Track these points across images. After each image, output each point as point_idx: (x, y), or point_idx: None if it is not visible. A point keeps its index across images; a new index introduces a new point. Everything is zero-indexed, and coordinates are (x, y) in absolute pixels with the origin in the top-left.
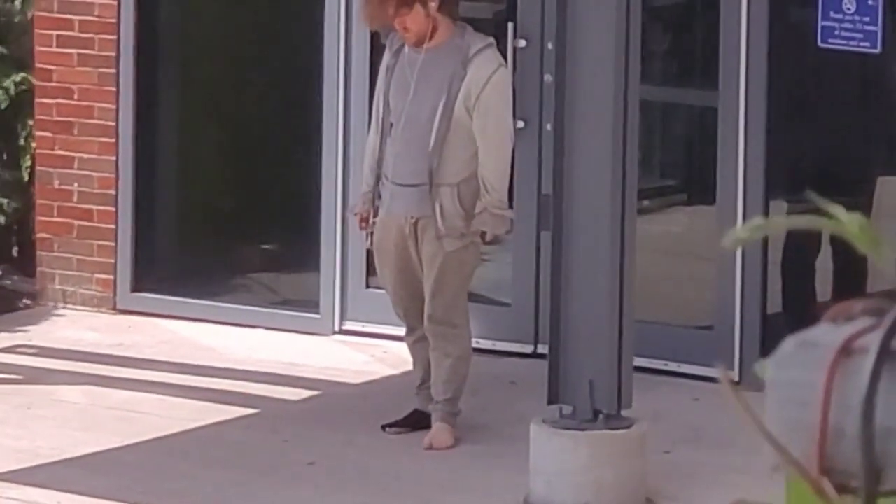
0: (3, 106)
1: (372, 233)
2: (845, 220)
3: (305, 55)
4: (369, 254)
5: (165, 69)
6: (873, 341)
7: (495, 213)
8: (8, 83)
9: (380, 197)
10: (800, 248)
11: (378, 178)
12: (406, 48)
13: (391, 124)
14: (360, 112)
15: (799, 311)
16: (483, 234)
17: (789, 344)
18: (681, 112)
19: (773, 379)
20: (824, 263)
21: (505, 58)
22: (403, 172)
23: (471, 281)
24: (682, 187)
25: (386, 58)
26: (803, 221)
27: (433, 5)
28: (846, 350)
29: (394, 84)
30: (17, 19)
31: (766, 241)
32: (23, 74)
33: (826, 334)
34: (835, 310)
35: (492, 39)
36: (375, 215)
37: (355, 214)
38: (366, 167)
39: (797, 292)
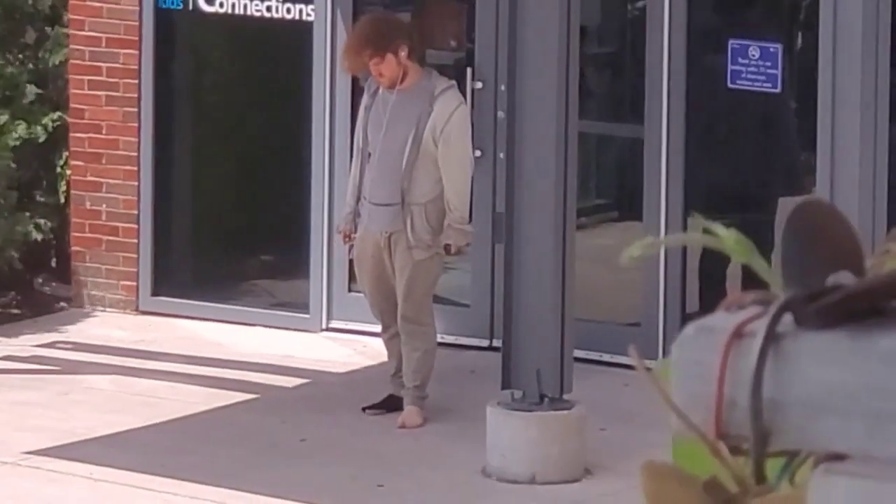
0: (42, 140)
1: (352, 246)
2: (723, 235)
3: (297, 96)
4: (351, 263)
5: (180, 108)
6: (761, 326)
7: (458, 228)
8: (46, 121)
9: (359, 216)
10: (713, 257)
11: (358, 200)
12: (381, 90)
13: (369, 154)
14: (343, 145)
15: (713, 309)
16: (448, 246)
17: (690, 329)
18: (612, 143)
19: (676, 359)
20: (735, 269)
21: (465, 97)
22: (379, 194)
23: (436, 286)
24: (613, 206)
25: (364, 98)
26: (688, 239)
27: (403, 54)
28: (738, 334)
29: (371, 120)
30: (51, 66)
31: (685, 253)
32: (59, 113)
33: (721, 320)
34: (729, 300)
35: (454, 82)
36: (357, 232)
37: (339, 232)
38: (348, 192)
39: (711, 294)
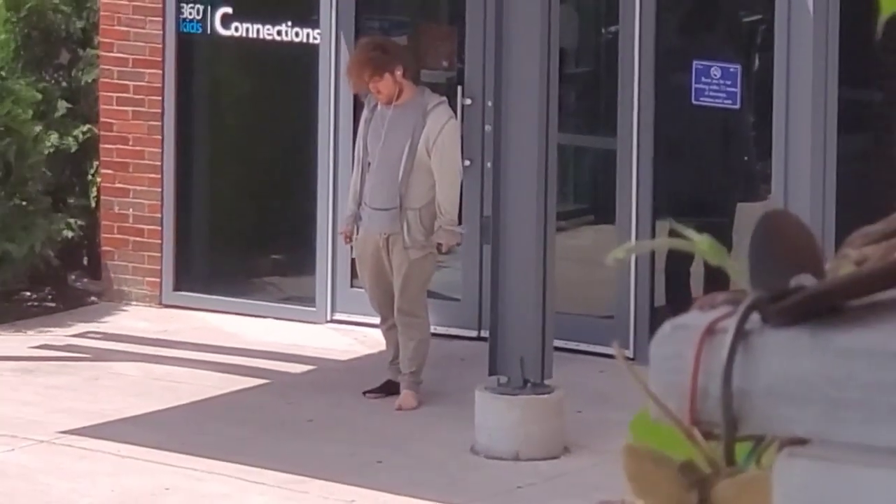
0: (73, 150)
1: (353, 246)
2: (697, 240)
3: (304, 111)
4: (353, 262)
5: (199, 122)
6: (731, 324)
7: (448, 230)
8: (77, 132)
9: (360, 219)
10: (678, 257)
11: (359, 205)
12: (379, 106)
13: (369, 163)
14: (346, 155)
15: (678, 304)
16: (439, 245)
17: (667, 327)
18: (588, 153)
19: (655, 353)
20: (697, 268)
21: (455, 112)
22: (378, 199)
23: (429, 282)
24: (589, 211)
25: (364, 113)
26: (666, 243)
27: (398, 73)
28: (710, 330)
29: (371, 133)
30: (83, 84)
31: (653, 253)
32: (88, 126)
33: (695, 318)
34: (702, 300)
35: (445, 98)
36: (358, 233)
37: (341, 233)
38: (349, 197)
39: (676, 290)
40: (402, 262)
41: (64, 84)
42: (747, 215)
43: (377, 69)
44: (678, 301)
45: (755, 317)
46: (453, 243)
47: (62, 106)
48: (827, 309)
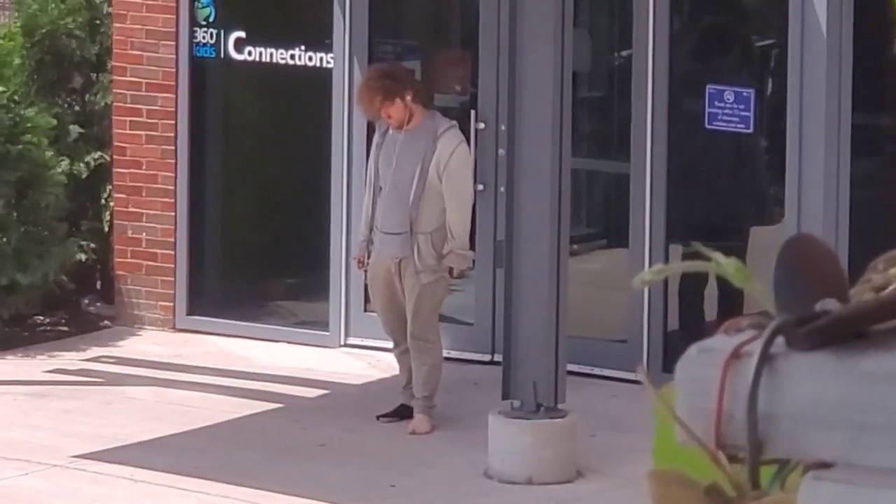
0: (84, 176)
1: (366, 271)
2: (724, 263)
3: (317, 135)
4: (365, 286)
5: (212, 146)
6: (756, 348)
7: (459, 254)
8: (88, 159)
9: (372, 243)
10: (692, 280)
11: (371, 230)
12: (390, 130)
13: (380, 188)
14: (359, 179)
15: (692, 328)
16: (450, 269)
17: (693, 350)
18: (601, 178)
19: (680, 376)
20: (711, 291)
21: (468, 137)
22: (390, 223)
23: (441, 306)
24: (602, 234)
25: (376, 137)
26: (694, 266)
27: (409, 98)
28: (736, 354)
29: (382, 157)
30: (96, 108)
31: (666, 277)
32: (100, 153)
33: (720, 342)
34: (727, 324)
35: (455, 122)
36: (370, 257)
37: (354, 258)
38: (362, 222)
39: (690, 314)
40: (413, 286)
41: (77, 108)
42: (761, 239)
43: (388, 95)
44: (692, 325)
45: (780, 341)
46: (464, 267)
47: (74, 130)
48: (852, 333)
